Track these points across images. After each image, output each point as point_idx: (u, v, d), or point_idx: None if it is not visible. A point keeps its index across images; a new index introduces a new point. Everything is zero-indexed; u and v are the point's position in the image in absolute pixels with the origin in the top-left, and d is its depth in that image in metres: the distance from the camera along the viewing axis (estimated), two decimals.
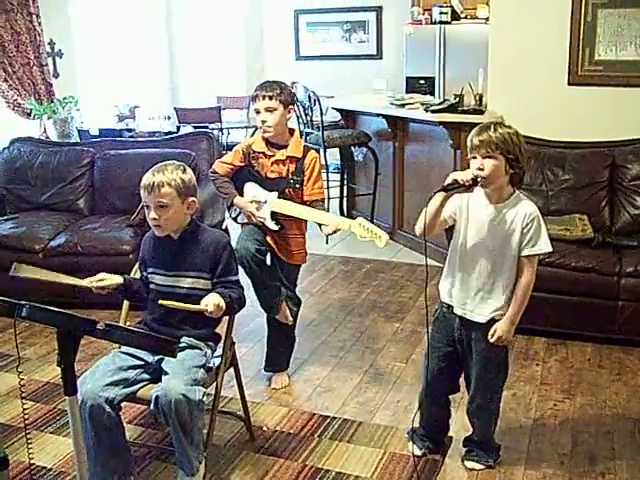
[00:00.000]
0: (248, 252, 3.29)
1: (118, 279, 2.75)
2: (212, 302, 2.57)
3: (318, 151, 6.79)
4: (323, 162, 6.48)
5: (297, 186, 3.37)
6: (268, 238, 3.43)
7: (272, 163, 3.39)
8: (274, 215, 3.36)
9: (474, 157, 2.59)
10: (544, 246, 2.65)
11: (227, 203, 3.52)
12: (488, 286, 2.69)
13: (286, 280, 3.57)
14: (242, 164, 3.45)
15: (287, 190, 3.38)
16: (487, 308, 2.71)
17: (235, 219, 3.56)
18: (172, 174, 2.66)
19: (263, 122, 3.32)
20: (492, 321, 2.70)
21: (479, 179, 2.56)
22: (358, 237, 3.04)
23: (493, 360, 2.77)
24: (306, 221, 3.50)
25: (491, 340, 2.69)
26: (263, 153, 3.40)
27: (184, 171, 2.71)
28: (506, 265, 2.67)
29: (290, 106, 3.38)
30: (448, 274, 2.81)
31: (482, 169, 2.56)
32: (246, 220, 3.46)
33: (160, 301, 2.56)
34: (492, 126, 2.59)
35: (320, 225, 3.28)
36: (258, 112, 3.34)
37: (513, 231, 2.63)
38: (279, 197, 3.35)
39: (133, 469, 2.73)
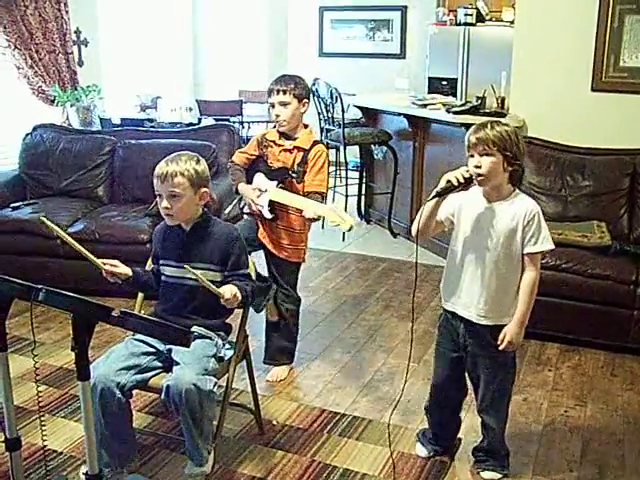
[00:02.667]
0: None
1: (128, 270, 2.77)
2: (229, 290, 2.59)
3: (338, 148, 6.82)
4: (342, 160, 6.51)
5: (297, 177, 3.40)
6: (260, 234, 3.50)
7: (280, 151, 3.45)
8: (272, 204, 3.39)
9: (471, 155, 2.58)
10: (547, 243, 2.61)
11: (234, 189, 3.57)
12: (493, 288, 2.65)
13: (280, 278, 3.57)
14: (257, 153, 3.52)
15: (287, 180, 3.41)
16: (492, 312, 2.67)
17: (242, 209, 3.62)
18: (186, 164, 2.69)
19: (277, 116, 3.40)
20: (498, 325, 2.67)
21: (474, 177, 2.55)
22: (329, 222, 3.07)
23: (501, 363, 2.75)
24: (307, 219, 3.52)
25: (501, 346, 2.65)
26: (274, 142, 3.47)
27: (198, 162, 2.74)
28: (510, 266, 2.63)
29: (305, 100, 3.43)
30: (449, 277, 2.78)
31: (480, 167, 2.54)
32: (247, 209, 3.52)
33: (185, 265, 2.55)
34: (489, 124, 2.57)
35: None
36: (273, 106, 3.41)
37: (515, 229, 2.60)
38: (278, 186, 3.39)
39: (135, 455, 2.75)
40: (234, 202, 3.72)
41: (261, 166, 3.49)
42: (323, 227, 6.43)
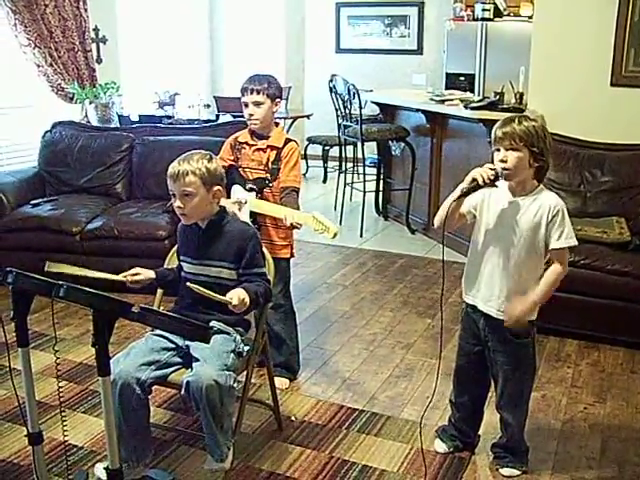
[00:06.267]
0: None
1: (151, 274, 2.80)
2: (237, 296, 2.58)
3: (356, 144, 6.78)
4: (360, 156, 6.51)
5: (270, 182, 3.41)
6: None
7: (253, 151, 3.46)
8: (253, 215, 3.40)
9: (497, 150, 2.56)
10: (570, 239, 2.58)
11: None
12: (513, 283, 2.64)
13: (275, 281, 3.55)
14: (231, 157, 3.52)
15: (264, 190, 3.43)
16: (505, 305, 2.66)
17: None
18: (197, 163, 2.69)
19: (250, 115, 3.40)
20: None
21: (500, 173, 2.53)
22: (312, 230, 3.08)
23: (521, 358, 2.74)
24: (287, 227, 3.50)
25: (506, 321, 2.61)
26: (246, 143, 3.49)
27: (210, 160, 2.74)
28: (531, 262, 2.63)
29: (277, 99, 3.44)
30: (470, 270, 2.77)
31: (505, 161, 2.53)
32: None
33: (188, 283, 2.58)
34: (517, 119, 2.55)
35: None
36: (246, 105, 3.41)
37: (538, 224, 2.58)
38: (257, 197, 3.41)
39: (150, 451, 2.77)
40: None
41: (236, 177, 3.49)
42: (341, 223, 6.44)
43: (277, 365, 3.59)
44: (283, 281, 3.56)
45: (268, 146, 3.45)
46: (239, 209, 3.38)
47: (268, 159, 3.44)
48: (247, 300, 2.60)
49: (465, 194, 2.56)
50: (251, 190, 3.43)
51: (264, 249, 2.95)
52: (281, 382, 3.58)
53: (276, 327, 3.58)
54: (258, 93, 3.37)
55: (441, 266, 5.33)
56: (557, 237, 2.57)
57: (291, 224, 3.17)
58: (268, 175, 3.42)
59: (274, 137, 3.47)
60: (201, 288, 2.56)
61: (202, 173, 2.69)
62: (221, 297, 2.57)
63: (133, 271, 2.76)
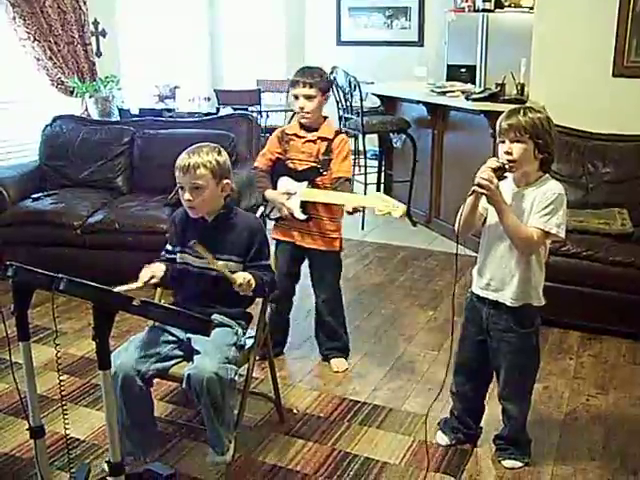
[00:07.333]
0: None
1: (162, 268, 2.75)
2: (242, 276, 2.58)
3: (357, 137, 6.78)
4: (361, 148, 6.49)
5: (324, 170, 3.42)
6: (295, 234, 3.53)
7: (303, 143, 3.47)
8: (303, 205, 3.41)
9: (502, 141, 2.56)
10: (554, 227, 2.54)
11: (260, 197, 3.60)
12: (521, 271, 2.64)
13: (327, 273, 3.63)
14: (278, 150, 3.52)
15: (316, 179, 3.44)
16: (518, 293, 2.66)
17: (268, 216, 3.60)
18: (208, 156, 2.68)
19: (301, 108, 3.41)
20: (520, 308, 2.67)
21: (506, 165, 2.52)
22: (376, 211, 3.00)
23: (525, 348, 2.73)
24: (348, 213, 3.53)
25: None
26: (295, 134, 3.49)
27: (219, 153, 2.73)
28: None
29: (327, 93, 3.46)
30: (481, 261, 2.78)
31: (510, 153, 2.53)
32: (278, 214, 3.50)
33: (192, 242, 2.54)
34: (522, 110, 2.55)
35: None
36: (297, 98, 3.42)
37: (532, 209, 2.58)
38: (308, 186, 3.42)
39: (157, 443, 2.78)
40: (261, 210, 3.71)
41: (282, 170, 3.49)
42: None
43: (331, 349, 3.74)
44: (333, 274, 3.68)
45: (318, 138, 3.46)
46: (287, 199, 3.40)
47: (319, 151, 3.45)
48: (252, 282, 2.60)
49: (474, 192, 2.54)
50: (302, 180, 3.43)
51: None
52: (338, 363, 3.71)
53: (327, 318, 3.69)
54: (311, 87, 3.38)
55: (442, 258, 5.37)
56: (540, 215, 2.54)
57: (353, 208, 3.18)
58: (319, 166, 3.43)
59: (324, 129, 3.48)
60: (205, 251, 2.53)
61: (213, 166, 2.67)
62: (228, 274, 2.57)
63: (149, 274, 2.68)
